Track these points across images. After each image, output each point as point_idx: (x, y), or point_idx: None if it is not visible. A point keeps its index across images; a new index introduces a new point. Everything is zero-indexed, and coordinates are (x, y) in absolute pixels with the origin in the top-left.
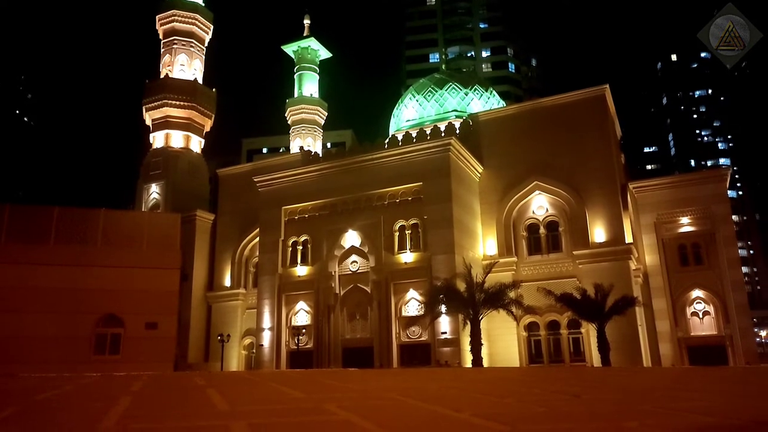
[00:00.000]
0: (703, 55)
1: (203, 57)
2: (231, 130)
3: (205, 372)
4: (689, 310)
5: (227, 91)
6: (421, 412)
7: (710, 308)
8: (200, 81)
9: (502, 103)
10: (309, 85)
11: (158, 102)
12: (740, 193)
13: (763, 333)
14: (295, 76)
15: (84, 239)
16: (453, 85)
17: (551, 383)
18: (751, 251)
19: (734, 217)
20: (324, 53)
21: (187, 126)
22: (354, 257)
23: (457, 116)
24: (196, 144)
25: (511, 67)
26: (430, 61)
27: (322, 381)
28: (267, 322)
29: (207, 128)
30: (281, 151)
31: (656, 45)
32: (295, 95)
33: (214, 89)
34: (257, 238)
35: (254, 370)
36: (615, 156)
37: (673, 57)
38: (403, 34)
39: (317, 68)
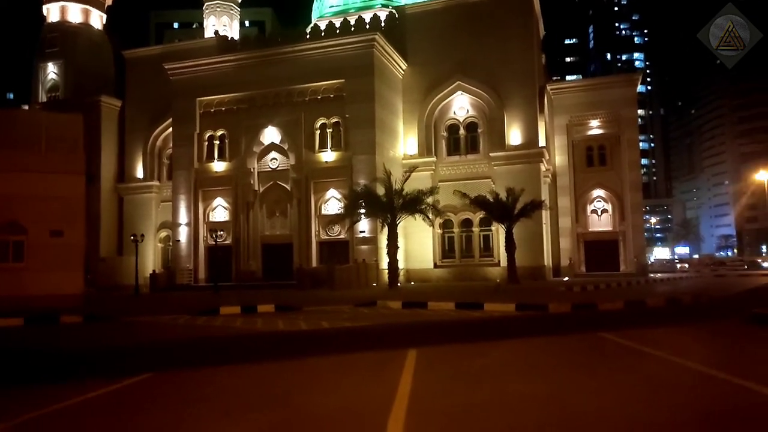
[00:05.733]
0: None
1: None
2: (136, 2)
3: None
4: (590, 208)
5: None
6: None
7: (608, 206)
8: None
9: None
10: None
11: None
12: (649, 87)
13: (653, 219)
14: None
15: None
16: None
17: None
18: (652, 144)
19: (640, 111)
20: None
21: None
22: (274, 154)
23: (383, 5)
24: (97, 19)
25: None
26: None
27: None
28: (183, 217)
29: (108, 1)
30: (194, 26)
31: None
32: None
33: None
34: (170, 129)
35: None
36: (536, 58)
37: None
38: None
39: None
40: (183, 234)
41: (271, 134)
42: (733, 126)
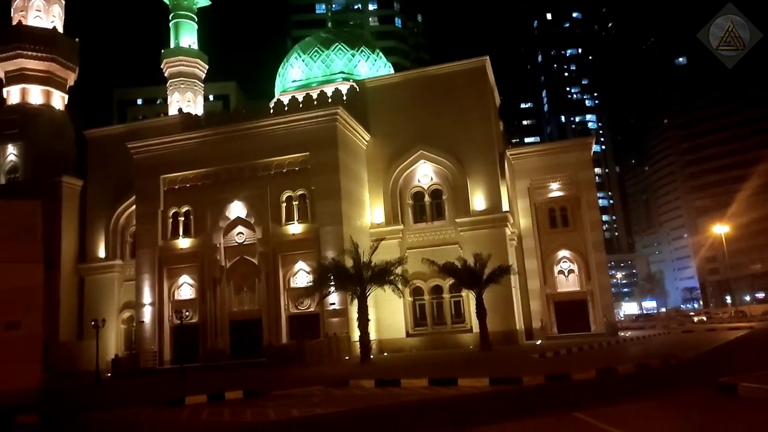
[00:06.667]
0: (574, 15)
1: (63, 2)
2: (100, 81)
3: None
4: (557, 269)
5: (95, 39)
6: None
7: (574, 266)
8: (61, 29)
9: (389, 65)
10: (186, 35)
11: (11, 52)
12: (603, 147)
13: (619, 275)
14: (171, 24)
15: None
16: (340, 46)
17: None
18: (611, 201)
19: (597, 170)
20: (202, 1)
21: (47, 80)
22: (240, 228)
23: (344, 79)
24: (59, 100)
25: (398, 22)
26: (317, 11)
27: None
28: (147, 297)
29: (71, 82)
30: (158, 102)
31: (534, 2)
32: (172, 45)
33: (77, 39)
34: (134, 206)
35: None
36: (494, 126)
37: (548, 16)
38: None
39: (195, 17)
40: (147, 314)
41: (236, 209)
42: (686, 182)
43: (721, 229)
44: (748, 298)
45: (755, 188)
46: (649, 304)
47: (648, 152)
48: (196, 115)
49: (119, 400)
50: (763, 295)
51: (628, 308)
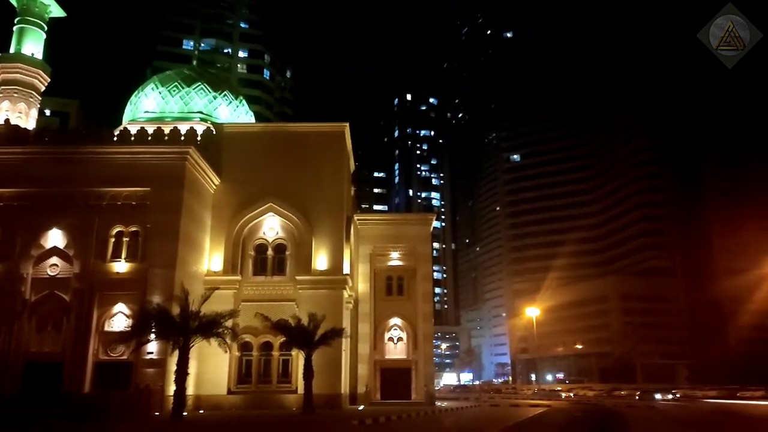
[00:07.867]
0: (431, 100)
1: None
2: None
3: None
4: (387, 336)
5: None
6: None
7: (404, 335)
8: None
9: (251, 114)
10: (31, 43)
11: None
12: (443, 224)
13: (444, 345)
14: (15, 29)
15: None
16: (202, 86)
17: None
18: (445, 275)
19: (435, 244)
20: (56, 11)
21: None
22: (55, 260)
23: (202, 119)
24: None
25: (266, 73)
26: (184, 47)
27: None
28: None
29: None
30: None
31: (397, 82)
32: (12, 51)
33: None
34: None
35: None
36: (346, 189)
37: (408, 96)
38: (160, 13)
39: (45, 26)
40: None
41: (55, 238)
42: (509, 265)
43: (532, 312)
44: (550, 377)
45: (563, 279)
46: (467, 376)
47: (480, 234)
48: (25, 128)
49: None
50: (562, 375)
51: (448, 379)
